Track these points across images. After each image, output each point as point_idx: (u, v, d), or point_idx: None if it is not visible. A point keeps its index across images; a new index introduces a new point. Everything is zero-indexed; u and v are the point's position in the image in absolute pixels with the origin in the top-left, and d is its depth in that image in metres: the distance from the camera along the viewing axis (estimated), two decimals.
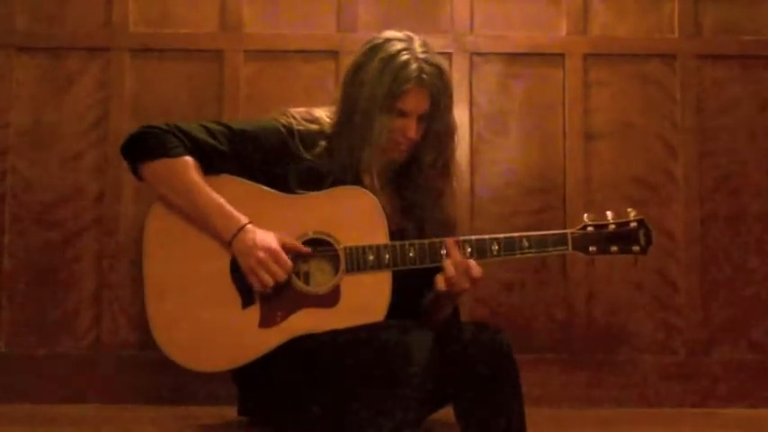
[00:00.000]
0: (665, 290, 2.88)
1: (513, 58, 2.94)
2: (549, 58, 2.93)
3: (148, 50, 2.90)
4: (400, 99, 2.02)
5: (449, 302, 2.13)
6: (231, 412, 2.19)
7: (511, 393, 1.93)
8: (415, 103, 2.03)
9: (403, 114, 2.04)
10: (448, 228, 2.12)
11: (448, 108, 2.09)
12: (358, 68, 2.07)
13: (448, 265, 1.98)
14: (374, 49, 2.06)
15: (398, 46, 2.04)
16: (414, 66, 2.01)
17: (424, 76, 2.01)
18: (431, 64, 2.03)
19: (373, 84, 2.02)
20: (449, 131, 2.12)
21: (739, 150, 2.93)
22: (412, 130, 2.05)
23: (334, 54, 2.87)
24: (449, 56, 2.89)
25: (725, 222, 2.90)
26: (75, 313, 2.84)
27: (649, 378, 2.83)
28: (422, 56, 2.03)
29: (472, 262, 1.98)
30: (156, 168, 2.01)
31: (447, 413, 2.01)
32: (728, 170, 2.92)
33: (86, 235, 2.85)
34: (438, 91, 2.04)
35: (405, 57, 2.01)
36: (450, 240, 2.00)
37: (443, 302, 2.12)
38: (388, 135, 2.04)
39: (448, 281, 1.97)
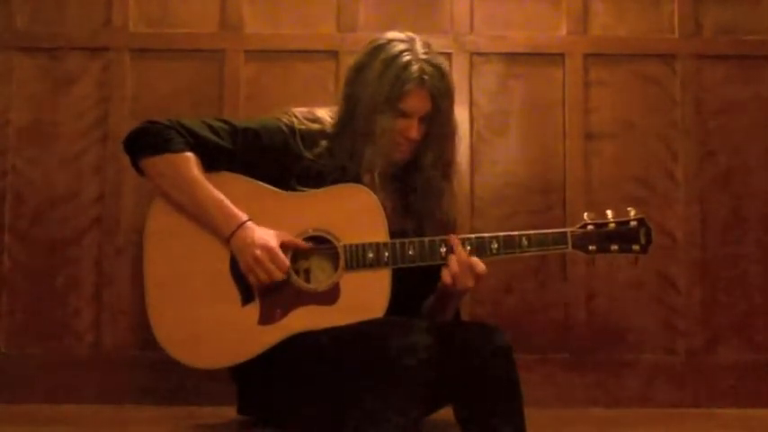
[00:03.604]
0: (665, 290, 2.88)
1: (513, 58, 2.94)
2: (549, 58, 2.93)
3: (148, 50, 2.90)
4: (402, 100, 2.02)
5: (452, 303, 2.13)
6: (231, 412, 2.19)
7: (511, 393, 1.93)
8: (417, 103, 2.04)
9: (404, 115, 2.04)
10: (448, 228, 2.11)
11: (449, 109, 2.10)
12: (360, 69, 2.08)
13: (452, 260, 1.99)
14: (376, 49, 2.07)
15: (400, 47, 2.04)
16: (415, 67, 2.01)
17: (426, 77, 2.02)
18: (432, 65, 2.04)
19: (375, 84, 2.03)
20: (450, 132, 2.12)
21: (739, 150, 2.92)
22: (413, 130, 2.05)
23: (334, 54, 2.87)
24: (449, 56, 2.89)
25: (725, 222, 2.90)
26: (76, 313, 2.83)
27: (649, 378, 2.83)
28: (423, 57, 2.03)
29: (475, 259, 1.99)
30: (157, 163, 2.01)
31: (447, 413, 2.01)
32: (728, 170, 2.92)
33: (86, 235, 2.85)
34: (439, 92, 2.04)
35: (406, 58, 2.02)
36: (454, 238, 2.01)
37: (447, 303, 2.12)
38: (389, 135, 2.04)
39: (453, 276, 1.98)
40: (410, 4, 2.95)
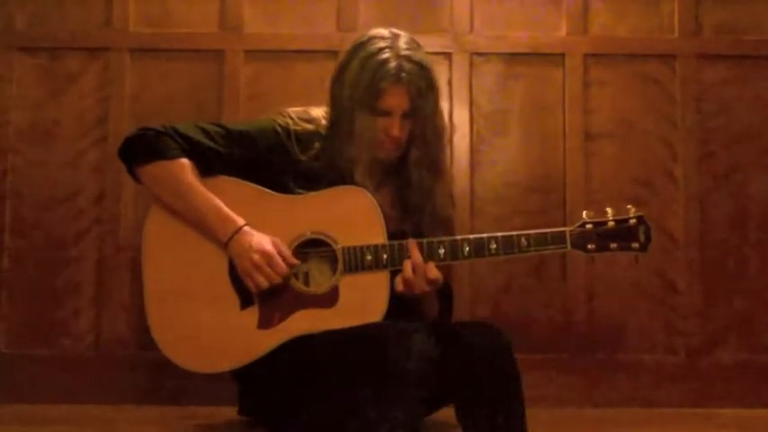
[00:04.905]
0: (664, 290, 2.88)
1: (513, 58, 2.93)
2: (549, 58, 2.93)
3: (148, 50, 2.90)
4: (379, 97, 2.01)
5: (424, 302, 2.12)
6: (231, 412, 2.20)
7: (511, 393, 1.92)
8: (395, 101, 2.02)
9: (385, 113, 2.03)
10: (445, 227, 2.11)
11: (431, 106, 2.07)
12: (342, 68, 2.08)
13: (407, 265, 1.97)
14: (357, 48, 2.07)
15: (380, 44, 2.03)
16: (392, 64, 1.99)
17: (403, 74, 1.99)
18: (412, 61, 2.01)
19: (354, 83, 2.02)
20: (435, 129, 2.10)
21: (739, 150, 2.92)
22: (394, 128, 2.04)
23: (334, 54, 2.84)
24: (449, 56, 2.89)
25: (725, 222, 2.90)
26: (76, 313, 2.83)
27: (649, 378, 2.83)
28: (404, 53, 2.01)
29: (430, 264, 1.98)
30: (152, 170, 2.02)
31: (447, 413, 2.01)
32: (728, 170, 2.92)
33: (86, 235, 2.85)
34: (418, 88, 2.01)
35: (384, 55, 2.00)
36: (411, 242, 2.00)
37: (420, 302, 2.11)
38: (370, 134, 2.04)
39: (406, 282, 1.97)
40: (410, 4, 2.95)
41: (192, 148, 2.01)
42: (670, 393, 2.82)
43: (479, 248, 2.01)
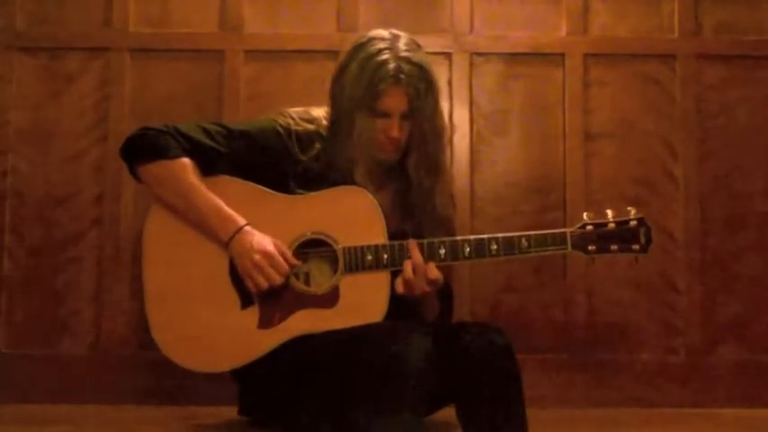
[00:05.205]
0: (665, 290, 2.87)
1: (513, 58, 2.93)
2: (549, 58, 2.93)
3: (148, 50, 2.90)
4: (378, 99, 2.01)
5: (424, 304, 2.12)
6: (231, 412, 2.20)
7: (512, 393, 1.92)
8: (393, 102, 2.02)
9: (384, 114, 2.03)
10: (445, 227, 2.11)
11: (431, 107, 2.06)
12: (341, 69, 2.08)
13: (407, 265, 1.97)
14: (356, 49, 2.06)
15: (380, 45, 2.02)
16: (391, 65, 1.99)
17: (402, 75, 1.99)
18: (411, 63, 2.00)
19: (353, 84, 2.02)
20: (434, 131, 2.10)
21: (739, 150, 2.92)
22: (393, 129, 2.04)
23: (334, 54, 2.82)
24: (449, 56, 2.89)
25: (725, 222, 2.90)
26: (75, 313, 2.83)
27: (649, 378, 2.83)
28: (404, 54, 2.00)
29: (431, 264, 1.98)
30: (153, 170, 2.02)
31: (447, 413, 2.01)
32: (728, 170, 2.92)
33: (86, 235, 2.85)
34: (416, 90, 2.01)
35: (383, 57, 2.00)
36: (412, 242, 2.00)
37: (421, 303, 2.11)
38: (369, 135, 2.03)
39: (406, 282, 1.97)
40: (410, 4, 2.95)
41: (193, 148, 2.02)
42: (670, 393, 2.83)
43: (480, 249, 2.02)
